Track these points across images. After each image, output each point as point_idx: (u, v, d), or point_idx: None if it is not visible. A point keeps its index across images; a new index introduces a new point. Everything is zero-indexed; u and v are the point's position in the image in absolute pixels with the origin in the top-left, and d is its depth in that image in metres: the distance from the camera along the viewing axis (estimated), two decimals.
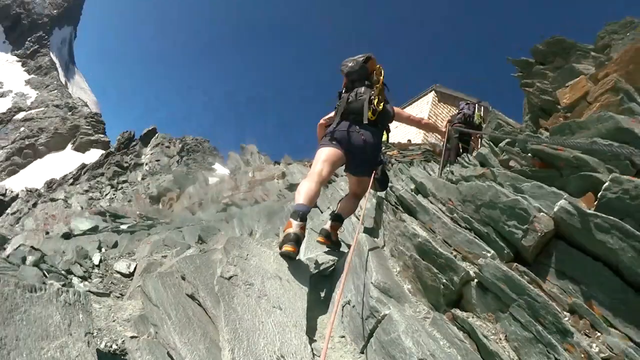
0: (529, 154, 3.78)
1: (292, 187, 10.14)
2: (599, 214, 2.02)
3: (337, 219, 3.86)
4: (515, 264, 2.31)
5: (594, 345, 1.83)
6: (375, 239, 3.73)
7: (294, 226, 2.92)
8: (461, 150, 9.58)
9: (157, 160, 41.13)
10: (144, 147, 49.01)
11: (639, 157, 2.65)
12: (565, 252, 2.24)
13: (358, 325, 2.64)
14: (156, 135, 50.91)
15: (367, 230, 4.21)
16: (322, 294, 3.47)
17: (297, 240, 2.95)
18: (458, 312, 2.42)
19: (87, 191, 31.51)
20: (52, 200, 28.17)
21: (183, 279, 2.90)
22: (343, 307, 2.96)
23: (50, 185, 39.15)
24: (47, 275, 4.21)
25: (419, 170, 4.51)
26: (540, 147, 3.33)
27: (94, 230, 8.41)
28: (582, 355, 1.78)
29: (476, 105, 10.84)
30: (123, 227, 8.11)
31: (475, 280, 2.43)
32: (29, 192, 34.44)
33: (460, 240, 2.76)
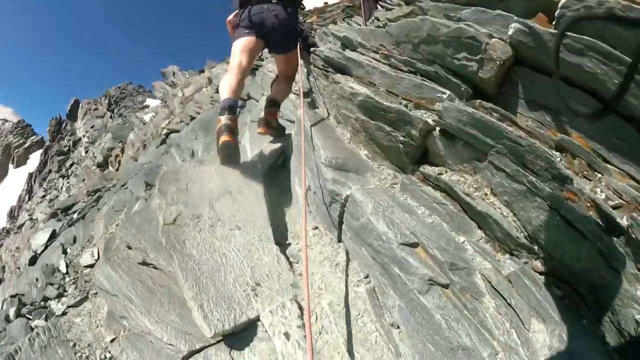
0: None
1: None
2: (569, 33, 1.64)
3: (272, 104, 3.67)
4: (479, 101, 2.00)
5: (598, 190, 1.51)
6: (317, 111, 3.41)
7: (223, 119, 2.81)
8: None
9: (92, 127, 38.43)
10: (74, 122, 46.29)
11: None
12: (531, 78, 1.95)
13: (325, 212, 2.39)
14: (80, 105, 47.96)
15: (308, 105, 3.90)
16: (279, 188, 3.18)
17: (231, 129, 2.81)
18: (428, 168, 2.17)
19: (44, 196, 29.61)
20: (20, 227, 26.36)
21: (129, 248, 2.55)
22: (306, 194, 2.75)
23: (12, 214, 37.03)
24: (31, 317, 3.88)
25: (341, 26, 4.00)
26: None
27: (53, 236, 7.88)
28: (588, 204, 1.46)
29: None
30: (74, 215, 7.44)
31: (438, 128, 2.13)
32: None
33: (407, 86, 2.41)
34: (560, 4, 1.90)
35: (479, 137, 1.88)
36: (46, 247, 7.48)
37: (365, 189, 2.14)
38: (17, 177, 52.04)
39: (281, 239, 2.51)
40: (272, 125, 3.60)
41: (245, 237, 2.30)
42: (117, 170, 15.38)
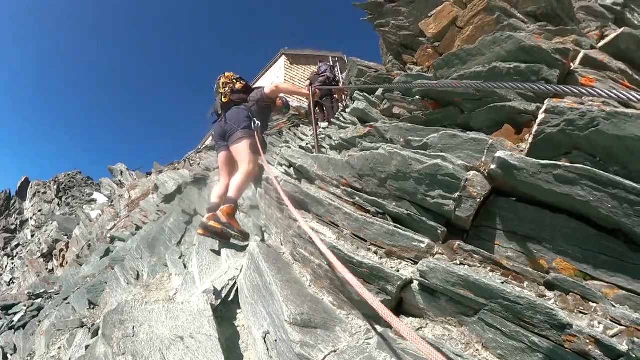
0: (416, 97, 3.38)
1: (168, 198, 9.17)
2: (560, 163, 1.62)
3: (228, 201, 3.63)
4: (457, 243, 1.80)
5: (595, 323, 1.46)
6: (268, 242, 3.15)
7: (204, 219, 3.51)
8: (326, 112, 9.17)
9: (39, 211, 36.28)
10: (23, 201, 43.84)
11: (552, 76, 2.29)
12: (511, 209, 1.85)
13: None
14: (30, 185, 45.27)
15: (257, 227, 3.72)
16: (232, 328, 2.86)
17: (206, 227, 3.43)
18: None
19: None
20: None
21: None
22: (264, 338, 2.35)
23: None
24: None
25: (292, 146, 3.90)
26: (430, 86, 2.91)
27: None
28: (588, 341, 1.39)
29: (336, 63, 10.55)
30: (15, 319, 7.03)
31: (417, 282, 1.92)
32: None
33: (377, 232, 2.20)
34: (538, 120, 1.84)
35: (469, 297, 1.69)
36: None
37: (341, 356, 1.86)
38: None
39: None
40: (220, 221, 3.52)
41: None
42: (62, 265, 14.73)
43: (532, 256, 1.77)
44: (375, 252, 2.12)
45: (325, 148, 4.98)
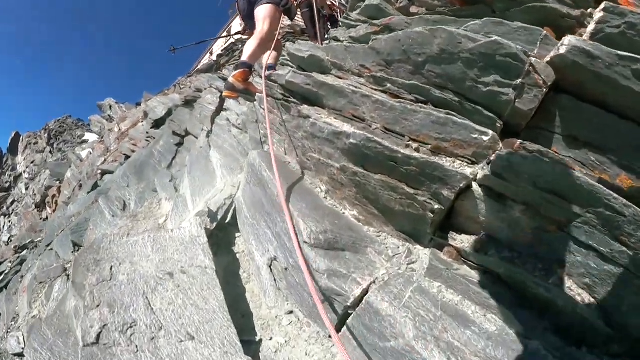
0: None
1: (158, 123, 8.62)
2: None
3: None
4: (519, 141, 1.38)
5: None
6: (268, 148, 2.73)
7: (230, 78, 3.09)
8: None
9: (32, 162, 35.46)
10: (15, 156, 42.60)
11: None
12: (575, 109, 1.52)
13: (304, 296, 1.75)
14: (21, 138, 44.14)
15: (254, 141, 3.32)
16: (230, 254, 2.52)
17: (232, 86, 3.03)
18: (458, 239, 1.54)
19: None
20: None
21: None
22: (270, 265, 2.02)
23: None
24: None
25: (297, 44, 3.36)
26: None
27: None
28: None
29: None
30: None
31: (477, 185, 1.51)
32: None
33: (421, 123, 1.71)
34: (596, 18, 1.51)
35: (560, 204, 1.27)
36: None
37: (385, 289, 1.46)
38: None
39: (248, 335, 1.82)
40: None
41: (202, 350, 1.58)
42: (55, 211, 14.19)
43: (594, 168, 1.47)
44: (417, 149, 1.67)
45: None
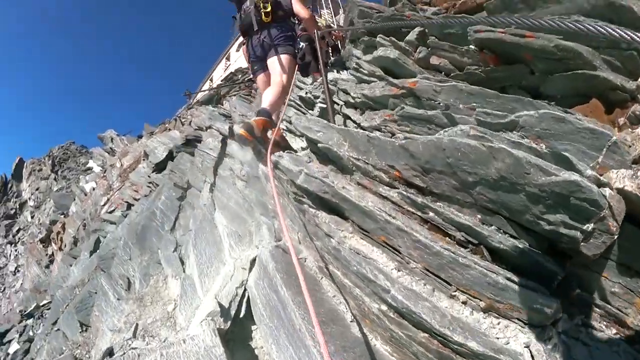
0: (471, 47, 2.58)
1: (159, 166, 8.37)
2: None
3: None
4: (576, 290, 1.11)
5: None
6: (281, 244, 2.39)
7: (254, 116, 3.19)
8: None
9: (36, 189, 35.68)
10: (20, 182, 42.91)
11: None
12: (636, 240, 1.38)
13: None
14: (25, 164, 44.54)
15: (261, 205, 3.06)
16: (253, 346, 2.29)
17: (250, 126, 3.05)
18: None
19: None
20: None
21: None
22: None
23: None
24: None
25: (306, 120, 3.00)
26: (495, 35, 2.08)
27: None
28: None
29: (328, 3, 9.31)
30: (10, 351, 6.92)
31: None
32: None
33: (473, 280, 1.41)
34: None
35: None
36: None
37: None
38: None
39: None
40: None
41: None
42: (60, 249, 14.22)
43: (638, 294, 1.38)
44: (465, 302, 1.39)
45: (338, 105, 4.13)
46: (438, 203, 1.61)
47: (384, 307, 1.57)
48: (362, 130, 2.13)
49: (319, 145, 2.29)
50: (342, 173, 2.12)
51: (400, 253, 1.63)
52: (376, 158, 1.93)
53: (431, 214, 1.59)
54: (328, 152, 2.24)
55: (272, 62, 3.68)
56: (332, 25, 8.80)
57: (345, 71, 5.28)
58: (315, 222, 2.01)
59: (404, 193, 1.70)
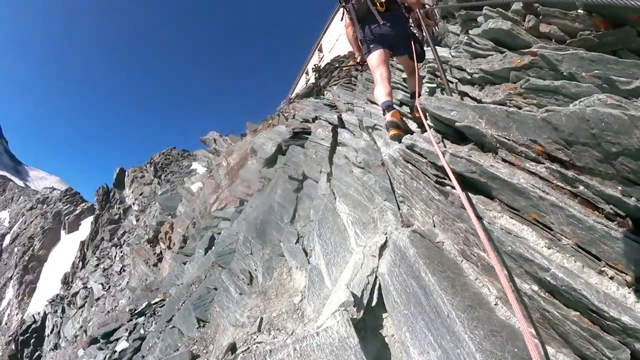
0: (580, 11, 2.44)
1: (270, 161, 8.48)
2: None
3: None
4: None
5: None
6: (412, 218, 2.48)
7: (388, 117, 3.28)
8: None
9: (140, 194, 38.95)
10: (122, 190, 47.26)
11: None
12: None
13: None
14: (126, 173, 48.94)
15: (385, 189, 3.13)
16: (384, 334, 2.31)
17: (396, 124, 3.18)
18: None
19: (97, 265, 30.03)
20: (74, 296, 26.52)
21: None
22: None
23: (66, 280, 37.37)
24: None
25: (435, 100, 2.95)
26: None
27: None
28: None
29: None
30: (117, 349, 6.82)
31: None
32: (52, 303, 31.39)
33: (621, 253, 1.38)
34: None
35: None
36: None
37: None
38: (70, 242, 51.94)
39: None
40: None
41: None
42: (169, 247, 15.06)
43: None
44: (612, 278, 1.38)
45: (452, 83, 4.06)
46: (581, 176, 1.56)
47: (535, 287, 1.55)
48: (499, 106, 2.07)
49: (457, 124, 2.26)
50: (480, 150, 2.10)
51: (551, 230, 1.61)
52: (517, 133, 1.89)
53: (581, 187, 1.55)
54: (467, 131, 2.20)
55: (405, 58, 3.97)
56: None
57: (445, 49, 5.13)
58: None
59: (553, 167, 1.66)
